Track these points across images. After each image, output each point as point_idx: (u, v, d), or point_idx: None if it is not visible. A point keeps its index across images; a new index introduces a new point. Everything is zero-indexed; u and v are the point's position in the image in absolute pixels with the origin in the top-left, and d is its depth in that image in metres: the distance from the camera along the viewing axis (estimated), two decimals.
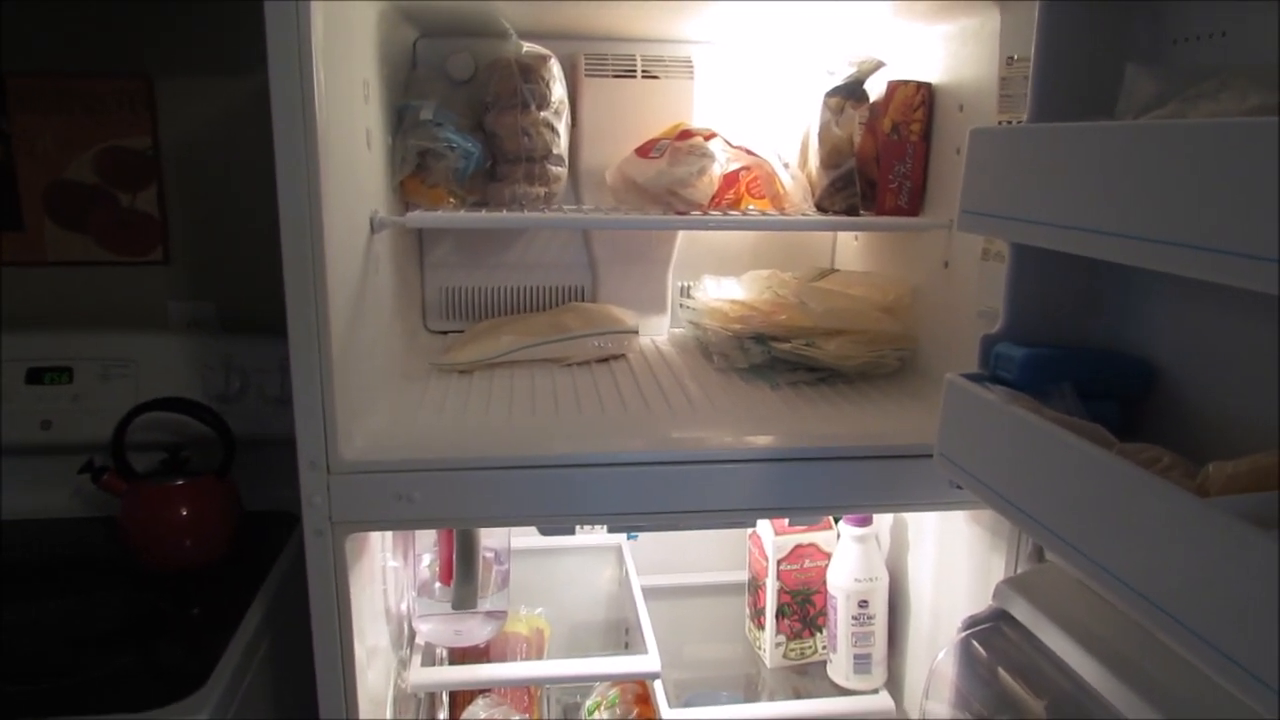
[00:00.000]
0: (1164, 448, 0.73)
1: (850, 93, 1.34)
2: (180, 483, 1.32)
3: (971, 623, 1.03)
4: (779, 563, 1.48)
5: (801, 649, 1.52)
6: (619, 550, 1.65)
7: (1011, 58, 1.08)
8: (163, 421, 1.37)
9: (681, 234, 1.56)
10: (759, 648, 1.56)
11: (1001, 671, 0.99)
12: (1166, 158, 0.60)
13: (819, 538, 1.48)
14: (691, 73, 1.44)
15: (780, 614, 1.50)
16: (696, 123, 1.41)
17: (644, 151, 1.34)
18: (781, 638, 1.51)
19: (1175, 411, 0.84)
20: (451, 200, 1.28)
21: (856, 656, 1.41)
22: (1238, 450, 0.67)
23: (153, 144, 1.53)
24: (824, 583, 1.46)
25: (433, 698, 1.45)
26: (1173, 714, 0.75)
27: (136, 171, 1.54)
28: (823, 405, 1.20)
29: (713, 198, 1.31)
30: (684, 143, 1.30)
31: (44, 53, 1.48)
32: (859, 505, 1.20)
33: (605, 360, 1.40)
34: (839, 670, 1.44)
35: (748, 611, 1.61)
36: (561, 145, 1.34)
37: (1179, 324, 0.84)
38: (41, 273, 1.55)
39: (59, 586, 1.28)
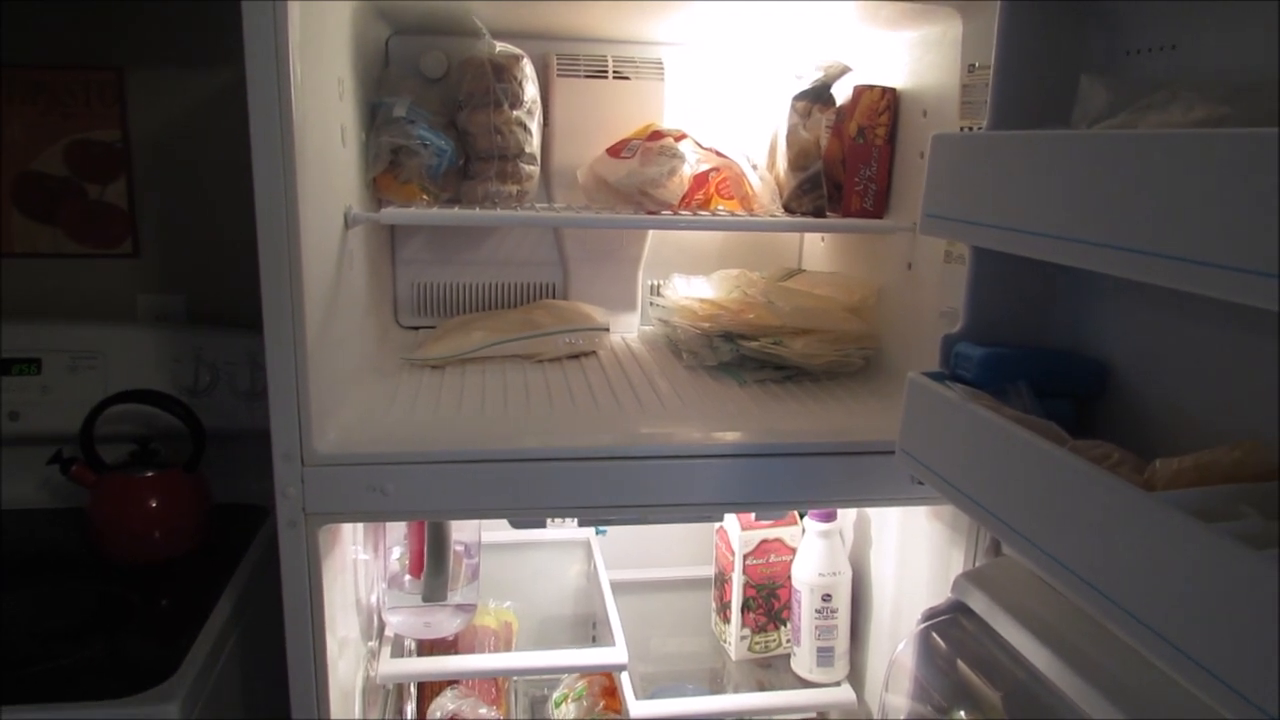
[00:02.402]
0: (1115, 444, 0.75)
1: (817, 96, 1.36)
2: (149, 475, 1.32)
3: (930, 614, 1.05)
4: (745, 557, 1.50)
5: (766, 642, 1.54)
6: (587, 545, 1.66)
7: (973, 65, 1.10)
8: (132, 414, 1.37)
9: (652, 233, 1.58)
10: (724, 641, 1.58)
11: (960, 663, 1.01)
12: (1116, 166, 0.63)
13: (784, 533, 1.50)
14: (662, 74, 1.46)
15: (746, 608, 1.52)
16: (667, 124, 1.42)
17: (615, 151, 1.35)
18: (746, 631, 1.53)
19: (1128, 410, 0.87)
20: (424, 197, 1.29)
21: (820, 649, 1.44)
22: (1187, 447, 0.70)
23: (123, 136, 1.53)
24: (789, 577, 1.48)
25: (401, 689, 1.46)
26: (1123, 703, 0.77)
27: (106, 163, 1.53)
28: (789, 402, 1.22)
29: (683, 198, 1.33)
30: (655, 143, 1.31)
31: (13, 44, 1.47)
32: (824, 500, 1.22)
33: (576, 357, 1.42)
34: (802, 663, 1.46)
35: (714, 605, 1.63)
36: (534, 144, 1.35)
37: (1133, 326, 0.87)
38: (9, 264, 1.54)
39: (26, 578, 1.28)
